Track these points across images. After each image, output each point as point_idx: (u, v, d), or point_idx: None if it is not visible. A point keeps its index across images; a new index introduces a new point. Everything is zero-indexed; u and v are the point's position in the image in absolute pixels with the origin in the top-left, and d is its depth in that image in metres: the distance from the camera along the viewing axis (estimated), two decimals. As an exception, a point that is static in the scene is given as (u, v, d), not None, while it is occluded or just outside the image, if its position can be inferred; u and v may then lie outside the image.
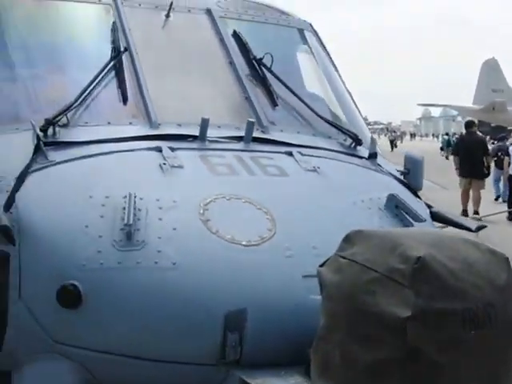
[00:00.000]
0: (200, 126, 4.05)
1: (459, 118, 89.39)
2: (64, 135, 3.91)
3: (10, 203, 3.49)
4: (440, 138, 74.25)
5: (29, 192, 3.56)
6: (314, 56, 5.45)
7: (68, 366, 3.39)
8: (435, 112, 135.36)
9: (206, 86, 4.59)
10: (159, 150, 3.88)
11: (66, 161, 3.73)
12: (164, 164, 3.76)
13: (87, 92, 4.14)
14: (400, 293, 2.59)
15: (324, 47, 5.58)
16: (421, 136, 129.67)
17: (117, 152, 3.82)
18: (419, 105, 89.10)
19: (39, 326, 3.38)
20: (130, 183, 3.59)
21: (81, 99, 4.09)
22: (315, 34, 5.57)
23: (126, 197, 3.45)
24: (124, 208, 3.41)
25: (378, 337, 2.60)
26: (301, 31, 5.50)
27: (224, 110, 4.47)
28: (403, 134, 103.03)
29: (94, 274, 3.28)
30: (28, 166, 3.66)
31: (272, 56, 4.72)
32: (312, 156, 4.25)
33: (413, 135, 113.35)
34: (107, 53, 4.43)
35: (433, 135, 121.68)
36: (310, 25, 5.58)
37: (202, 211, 3.51)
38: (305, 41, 5.50)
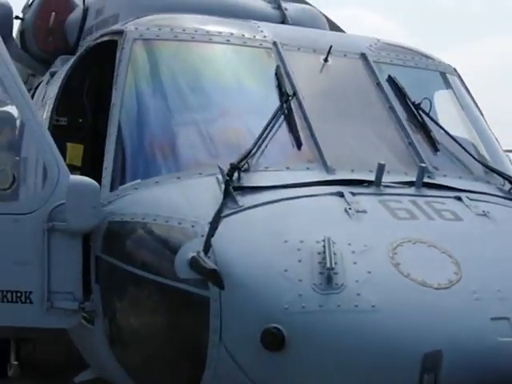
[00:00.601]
0: (376, 171, 4.13)
1: None
2: (247, 180, 4.04)
3: (207, 248, 3.63)
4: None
5: (224, 236, 3.69)
6: (458, 99, 5.52)
7: None
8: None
9: (370, 130, 4.69)
10: (341, 195, 3.97)
11: (255, 206, 3.85)
12: (349, 209, 3.85)
13: (264, 137, 4.28)
14: None
15: (468, 90, 5.64)
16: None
17: (303, 197, 3.93)
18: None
19: (239, 368, 3.49)
20: (320, 228, 3.69)
21: (259, 144, 4.24)
22: (459, 77, 5.64)
23: (319, 241, 3.55)
24: (319, 252, 3.51)
25: None
26: (443, 74, 5.59)
27: (390, 155, 4.54)
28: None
29: (297, 317, 3.38)
30: (220, 211, 3.79)
31: (430, 101, 4.82)
32: (478, 201, 4.29)
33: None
34: (273, 96, 4.60)
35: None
36: (455, 69, 5.66)
37: (391, 255, 3.60)
38: (448, 84, 5.58)
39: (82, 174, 4.81)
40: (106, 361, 4.27)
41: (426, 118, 4.84)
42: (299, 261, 3.53)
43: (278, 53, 4.85)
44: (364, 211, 3.88)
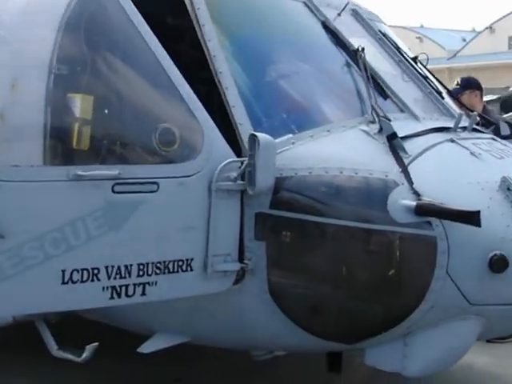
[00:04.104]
0: (456, 119, 4.75)
1: None
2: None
3: (417, 194, 4.00)
4: None
5: (418, 183, 4.06)
6: None
7: (478, 322, 4.15)
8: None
9: (404, 81, 5.24)
10: (452, 140, 4.52)
11: (420, 153, 4.25)
12: (473, 153, 4.42)
13: (369, 90, 4.62)
14: None
15: None
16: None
17: (438, 144, 4.40)
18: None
19: (461, 295, 4.02)
20: (479, 169, 4.28)
21: (370, 97, 4.58)
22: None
23: (488, 181, 4.15)
24: (497, 190, 4.13)
25: None
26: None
27: (427, 103, 5.17)
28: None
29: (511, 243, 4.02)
30: (402, 160, 4.15)
31: (427, 56, 5.57)
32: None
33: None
34: (335, 50, 4.94)
35: None
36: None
37: None
38: None
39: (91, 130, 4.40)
40: (259, 318, 4.27)
41: (424, 70, 5.54)
42: (490, 198, 4.10)
43: (317, 8, 5.07)
44: (480, 153, 4.49)
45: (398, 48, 5.49)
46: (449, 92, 5.64)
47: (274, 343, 4.45)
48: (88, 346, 4.29)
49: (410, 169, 4.14)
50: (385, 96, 4.81)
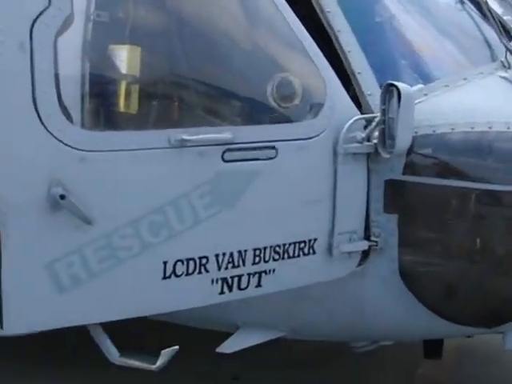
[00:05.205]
0: None
1: None
2: None
3: None
4: None
5: None
6: None
7: None
8: None
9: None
10: None
11: None
12: None
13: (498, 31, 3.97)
14: None
15: None
16: None
17: None
18: None
19: None
20: None
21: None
22: None
23: None
24: None
25: None
26: None
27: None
28: None
29: None
30: None
31: None
32: None
33: None
34: None
35: None
36: None
37: None
38: None
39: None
40: (385, 303, 3.60)
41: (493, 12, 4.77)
42: None
43: None
44: None
45: None
46: None
47: (399, 331, 3.77)
48: (164, 351, 3.30)
49: None
50: (510, 37, 4.07)
